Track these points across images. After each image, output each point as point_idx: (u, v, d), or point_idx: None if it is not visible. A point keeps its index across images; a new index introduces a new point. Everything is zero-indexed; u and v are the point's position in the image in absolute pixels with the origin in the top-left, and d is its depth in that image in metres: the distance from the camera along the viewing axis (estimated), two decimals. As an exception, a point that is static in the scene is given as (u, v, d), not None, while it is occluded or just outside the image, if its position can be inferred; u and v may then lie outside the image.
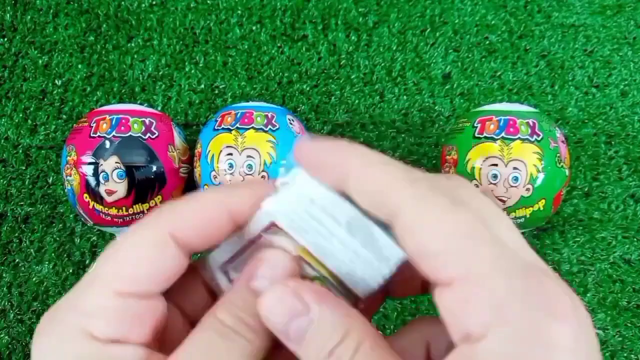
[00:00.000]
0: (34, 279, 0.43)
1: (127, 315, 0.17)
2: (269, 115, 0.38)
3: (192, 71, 0.48)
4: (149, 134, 0.37)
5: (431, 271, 0.16)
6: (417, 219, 0.16)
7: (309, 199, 0.19)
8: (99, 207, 0.37)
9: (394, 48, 0.49)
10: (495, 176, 0.36)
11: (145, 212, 0.38)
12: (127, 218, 0.38)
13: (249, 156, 0.36)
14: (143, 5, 0.50)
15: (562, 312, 0.14)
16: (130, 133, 0.37)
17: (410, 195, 0.16)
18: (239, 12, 0.50)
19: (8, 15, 0.49)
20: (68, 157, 0.37)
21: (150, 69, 0.48)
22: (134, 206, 0.37)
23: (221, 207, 0.18)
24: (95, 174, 0.36)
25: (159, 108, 0.47)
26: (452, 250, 0.15)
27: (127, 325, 0.17)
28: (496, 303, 0.14)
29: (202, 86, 0.47)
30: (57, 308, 0.18)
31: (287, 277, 0.18)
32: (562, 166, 0.38)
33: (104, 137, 0.36)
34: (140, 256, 0.18)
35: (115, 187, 0.36)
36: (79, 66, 0.48)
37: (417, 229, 0.16)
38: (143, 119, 0.38)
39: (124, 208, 0.37)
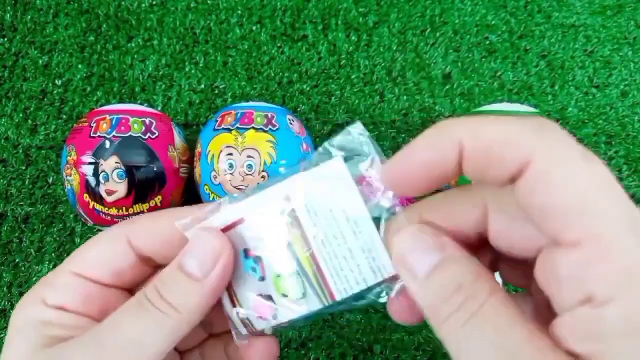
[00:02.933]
0: (34, 279, 0.43)
1: (76, 290, 0.21)
2: (269, 115, 0.38)
3: (192, 71, 0.48)
4: (149, 134, 0.37)
5: (559, 228, 0.14)
6: (550, 171, 0.14)
7: (330, 186, 0.19)
8: (99, 207, 0.37)
9: (394, 48, 0.49)
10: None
11: (145, 212, 0.38)
12: (127, 218, 0.38)
13: (249, 156, 0.36)
14: (143, 5, 0.50)
15: None
16: (130, 133, 0.37)
17: (540, 146, 0.14)
18: (239, 12, 0.50)
19: (8, 15, 0.49)
20: (68, 157, 0.37)
21: (150, 69, 0.48)
22: (134, 206, 0.37)
23: (171, 222, 0.21)
24: (95, 174, 0.36)
25: (159, 108, 0.47)
26: (587, 209, 0.14)
27: (72, 298, 0.21)
28: (628, 266, 0.13)
29: (202, 86, 0.47)
30: (32, 288, 0.22)
31: (213, 256, 0.20)
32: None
33: (104, 137, 0.36)
34: (95, 247, 0.22)
35: (115, 187, 0.36)
36: (79, 66, 0.48)
37: (552, 181, 0.14)
38: (143, 119, 0.38)
39: (124, 208, 0.37)
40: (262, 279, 0.20)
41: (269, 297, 0.20)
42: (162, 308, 0.19)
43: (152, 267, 0.23)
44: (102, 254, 0.22)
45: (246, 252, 0.20)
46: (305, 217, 0.19)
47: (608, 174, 0.14)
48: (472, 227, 0.18)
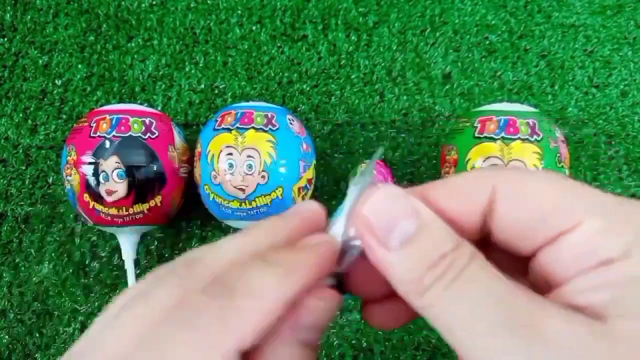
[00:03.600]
0: (34, 279, 0.43)
1: None
2: (269, 115, 0.38)
3: (192, 71, 0.48)
4: (149, 134, 0.37)
5: (562, 222, 0.15)
6: (530, 189, 0.16)
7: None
8: (99, 207, 0.37)
9: (394, 48, 0.49)
10: (495, 176, 0.36)
11: (145, 212, 0.38)
12: (127, 218, 0.38)
13: (249, 156, 0.36)
14: (143, 5, 0.50)
15: None
16: (130, 133, 0.37)
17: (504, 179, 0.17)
18: (239, 12, 0.50)
19: (8, 15, 0.49)
20: (68, 157, 0.37)
21: (150, 69, 0.48)
22: (134, 206, 0.37)
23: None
24: (95, 174, 0.36)
25: (159, 108, 0.47)
26: (579, 203, 0.15)
27: None
28: (637, 225, 0.15)
29: (202, 86, 0.47)
30: None
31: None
32: (562, 166, 0.38)
33: (104, 137, 0.36)
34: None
35: (115, 187, 0.36)
36: (79, 66, 0.48)
37: (531, 195, 0.16)
38: (143, 119, 0.38)
39: (124, 208, 0.37)
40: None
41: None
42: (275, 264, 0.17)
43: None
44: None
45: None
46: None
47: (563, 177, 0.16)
48: (478, 211, 0.17)
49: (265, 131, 0.37)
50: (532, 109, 0.39)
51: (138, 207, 0.37)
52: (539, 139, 0.37)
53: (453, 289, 0.15)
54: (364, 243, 0.17)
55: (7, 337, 0.42)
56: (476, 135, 0.38)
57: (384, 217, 0.16)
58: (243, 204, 0.37)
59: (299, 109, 0.47)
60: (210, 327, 0.15)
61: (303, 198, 0.39)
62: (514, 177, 0.17)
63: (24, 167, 0.45)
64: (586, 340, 0.13)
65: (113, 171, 0.36)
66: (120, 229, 0.38)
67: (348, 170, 0.45)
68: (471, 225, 0.17)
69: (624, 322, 0.13)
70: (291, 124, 0.39)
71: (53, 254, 0.43)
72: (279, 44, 0.49)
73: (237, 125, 0.37)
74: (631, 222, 0.15)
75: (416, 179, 0.45)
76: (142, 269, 0.44)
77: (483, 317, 0.14)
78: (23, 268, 0.43)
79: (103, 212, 0.37)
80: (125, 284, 0.41)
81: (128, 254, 0.40)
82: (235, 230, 0.42)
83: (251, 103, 0.40)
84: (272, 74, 0.48)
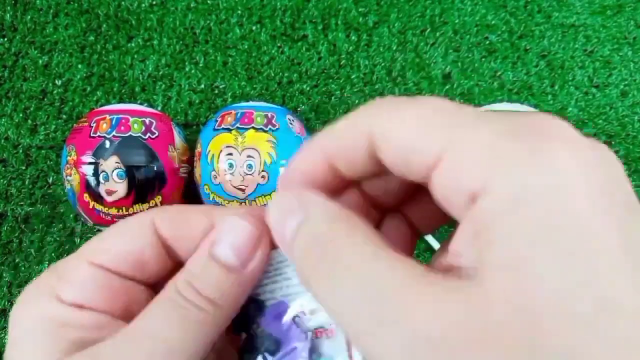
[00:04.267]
0: (34, 279, 0.43)
1: (95, 284, 0.18)
2: (269, 115, 0.38)
3: (192, 71, 0.48)
4: (149, 134, 0.37)
5: (420, 161, 0.14)
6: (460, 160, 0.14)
7: None
8: (99, 207, 0.37)
9: (394, 48, 0.49)
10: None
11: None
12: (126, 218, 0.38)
13: (249, 156, 0.36)
14: (143, 5, 0.50)
15: (563, 138, 0.13)
16: (130, 133, 0.37)
17: (452, 142, 0.14)
18: (239, 12, 0.50)
19: (8, 15, 0.49)
20: (68, 157, 0.37)
21: (150, 69, 0.48)
22: (134, 206, 0.37)
23: (204, 217, 0.19)
24: (95, 174, 0.36)
25: (159, 108, 0.47)
26: (435, 134, 0.14)
27: (92, 293, 0.18)
28: (491, 151, 0.13)
29: (202, 86, 0.47)
30: (38, 277, 0.19)
31: (251, 244, 0.18)
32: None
33: (104, 137, 0.36)
34: (118, 235, 0.19)
35: (115, 187, 0.36)
36: (79, 66, 0.48)
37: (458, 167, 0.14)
38: (143, 119, 0.38)
39: (124, 208, 0.37)
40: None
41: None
42: (198, 302, 0.17)
43: (174, 262, 0.20)
44: (127, 241, 0.19)
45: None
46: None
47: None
48: (364, 154, 0.16)
49: (265, 131, 0.37)
50: (532, 109, 0.39)
51: (138, 207, 0.37)
52: (539, 139, 0.37)
53: (333, 278, 0.14)
54: (279, 242, 0.17)
55: (7, 337, 0.42)
56: (476, 135, 0.38)
57: (280, 219, 0.17)
58: (243, 204, 0.37)
59: (299, 109, 0.47)
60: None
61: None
62: (385, 116, 0.16)
63: (24, 167, 0.45)
64: (458, 333, 0.12)
65: (113, 171, 0.36)
66: (120, 229, 0.38)
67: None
68: (366, 164, 0.17)
69: (493, 280, 0.12)
70: (291, 124, 0.39)
71: (53, 254, 0.43)
72: (279, 44, 0.49)
73: (237, 125, 0.37)
74: (487, 146, 0.13)
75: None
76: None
77: (356, 313, 0.14)
78: (23, 268, 0.43)
79: (103, 212, 0.37)
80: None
81: (128, 254, 0.40)
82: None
83: (251, 103, 0.40)
84: (272, 74, 0.48)
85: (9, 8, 0.49)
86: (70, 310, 0.18)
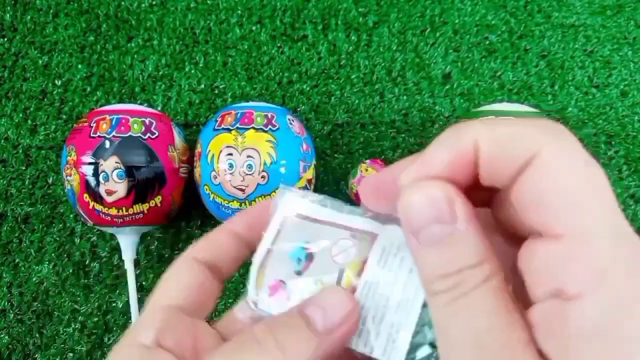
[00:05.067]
0: (34, 279, 0.43)
1: (169, 322, 0.20)
2: (269, 115, 0.38)
3: (192, 71, 0.48)
4: (149, 134, 0.37)
5: (546, 218, 0.14)
6: (552, 162, 0.14)
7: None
8: (99, 207, 0.37)
9: (394, 48, 0.49)
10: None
11: (145, 212, 0.38)
12: (127, 218, 0.38)
13: (249, 156, 0.36)
14: (143, 5, 0.50)
15: None
16: (130, 133, 0.37)
17: (548, 141, 0.15)
18: (239, 12, 0.50)
19: (8, 15, 0.49)
20: (68, 157, 0.37)
21: (150, 69, 0.48)
22: (134, 206, 0.37)
23: (227, 233, 0.23)
24: (95, 174, 0.36)
25: (159, 108, 0.47)
26: (577, 205, 0.14)
27: (166, 331, 0.20)
28: (602, 267, 0.13)
29: (202, 86, 0.47)
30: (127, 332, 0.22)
31: (343, 319, 0.18)
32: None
33: (104, 137, 0.36)
34: (173, 274, 0.22)
35: (115, 187, 0.36)
36: (79, 66, 0.48)
37: (551, 172, 0.14)
38: (143, 119, 0.38)
39: (123, 208, 0.37)
40: (299, 273, 0.20)
41: (289, 291, 0.20)
42: (271, 348, 0.17)
43: (221, 281, 0.23)
44: (182, 278, 0.22)
45: (306, 244, 0.20)
46: (376, 253, 0.19)
47: (605, 180, 0.15)
48: (470, 163, 0.16)
49: (265, 131, 0.37)
50: (532, 109, 0.39)
51: (138, 207, 0.37)
52: (539, 139, 0.37)
53: (451, 308, 0.15)
54: (404, 225, 0.17)
55: (7, 337, 0.42)
56: (476, 135, 0.38)
57: (420, 213, 0.16)
58: (243, 204, 0.37)
59: (299, 109, 0.47)
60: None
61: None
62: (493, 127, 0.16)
63: (24, 167, 0.45)
64: None
65: (113, 171, 0.36)
66: (120, 229, 0.38)
67: (348, 171, 0.45)
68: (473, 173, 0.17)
69: None
70: (291, 124, 0.39)
71: (53, 254, 0.43)
72: (279, 44, 0.49)
73: (237, 125, 0.37)
74: (604, 257, 0.14)
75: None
76: (142, 269, 0.44)
77: (458, 350, 0.15)
78: (23, 268, 0.43)
79: (103, 212, 0.37)
80: (125, 284, 0.41)
81: (128, 254, 0.40)
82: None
83: (251, 103, 0.40)
84: (272, 74, 0.48)
85: (9, 8, 0.49)
86: (148, 351, 0.20)
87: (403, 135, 0.47)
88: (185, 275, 0.22)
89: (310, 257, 0.20)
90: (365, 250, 0.19)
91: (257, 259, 0.20)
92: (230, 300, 0.44)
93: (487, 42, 0.49)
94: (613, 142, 0.47)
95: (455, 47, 0.49)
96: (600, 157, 0.46)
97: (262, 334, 0.18)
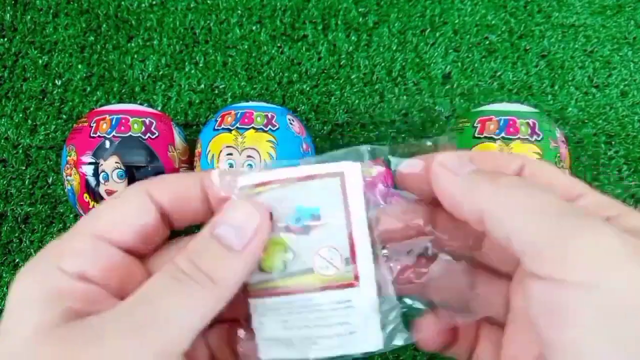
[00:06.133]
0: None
1: (97, 256, 0.18)
2: (269, 115, 0.38)
3: (192, 71, 0.48)
4: (149, 134, 0.37)
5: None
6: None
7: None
8: (99, 207, 0.37)
9: (394, 48, 0.49)
10: (495, 176, 0.36)
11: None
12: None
13: (249, 156, 0.36)
14: (143, 5, 0.50)
15: None
16: (130, 133, 0.37)
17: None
18: (239, 12, 0.50)
19: (8, 15, 0.49)
20: (68, 157, 0.37)
21: (150, 69, 0.48)
22: (134, 206, 0.37)
23: (196, 180, 0.20)
24: (95, 174, 0.36)
25: (159, 108, 0.47)
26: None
27: (93, 265, 0.18)
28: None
29: (202, 86, 0.48)
30: (41, 250, 0.19)
31: (252, 228, 0.19)
32: (562, 166, 0.38)
33: (104, 137, 0.36)
34: (118, 207, 0.20)
35: (115, 187, 0.36)
36: (79, 66, 0.48)
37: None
38: (143, 119, 0.38)
39: (124, 208, 0.37)
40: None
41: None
42: (199, 280, 0.17)
43: (169, 228, 0.21)
44: (126, 212, 0.19)
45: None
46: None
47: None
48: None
49: (265, 131, 0.37)
50: (532, 109, 0.39)
51: (138, 207, 0.37)
52: (539, 139, 0.37)
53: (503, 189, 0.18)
54: (435, 179, 0.20)
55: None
56: (476, 135, 0.38)
57: (456, 161, 0.20)
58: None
59: (299, 109, 0.47)
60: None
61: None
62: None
63: (24, 167, 0.45)
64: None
65: (113, 171, 0.36)
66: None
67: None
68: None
69: None
70: (291, 124, 0.39)
71: (53, 254, 0.43)
72: (279, 44, 0.49)
73: (237, 125, 0.37)
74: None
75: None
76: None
77: (536, 209, 0.17)
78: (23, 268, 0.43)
79: (103, 212, 0.37)
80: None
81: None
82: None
83: (251, 103, 0.40)
84: (272, 74, 0.48)
85: (9, 8, 0.49)
86: (70, 280, 0.18)
87: (403, 135, 0.47)
88: (133, 210, 0.19)
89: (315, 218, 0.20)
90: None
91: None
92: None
93: (487, 42, 0.49)
94: (613, 142, 0.47)
95: (455, 47, 0.49)
96: (600, 157, 0.46)
97: (188, 267, 0.18)
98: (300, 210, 0.19)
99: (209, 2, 0.50)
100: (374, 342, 0.19)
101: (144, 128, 0.37)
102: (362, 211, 0.19)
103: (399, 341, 0.19)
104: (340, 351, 0.19)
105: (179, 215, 0.21)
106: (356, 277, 0.19)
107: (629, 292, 0.15)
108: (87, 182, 0.36)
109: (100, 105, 0.46)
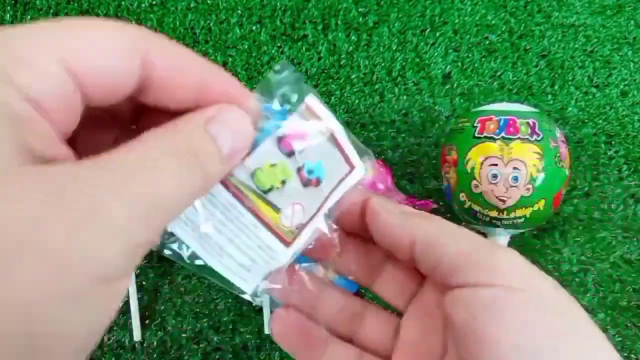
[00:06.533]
0: None
1: (61, 89, 0.14)
2: (269, 115, 0.38)
3: (192, 71, 0.48)
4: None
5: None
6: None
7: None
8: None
9: (394, 48, 0.49)
10: (495, 176, 0.36)
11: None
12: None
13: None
14: (143, 5, 0.50)
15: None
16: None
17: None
18: (239, 12, 0.50)
19: (8, 15, 0.49)
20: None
21: (150, 69, 0.48)
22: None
23: (199, 72, 0.18)
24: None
25: (159, 108, 0.47)
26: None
27: (54, 99, 0.14)
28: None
29: (202, 86, 0.47)
30: None
31: (245, 144, 0.18)
32: (562, 166, 0.38)
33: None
34: (100, 41, 0.15)
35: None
36: (79, 66, 0.48)
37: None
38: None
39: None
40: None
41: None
42: (191, 166, 0.16)
43: (140, 103, 0.18)
44: (110, 54, 0.15)
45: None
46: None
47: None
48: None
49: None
50: (532, 109, 0.39)
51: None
52: (539, 138, 0.37)
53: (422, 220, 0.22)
54: (373, 214, 0.23)
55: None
56: (476, 135, 0.38)
57: (389, 203, 0.23)
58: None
59: (299, 109, 0.47)
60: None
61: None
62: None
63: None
64: None
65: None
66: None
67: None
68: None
69: None
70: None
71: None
72: (279, 44, 0.49)
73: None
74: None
75: (416, 179, 0.45)
76: (141, 269, 0.44)
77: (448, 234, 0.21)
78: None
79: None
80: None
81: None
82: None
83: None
84: (272, 74, 0.48)
85: (9, 8, 0.49)
86: (27, 105, 0.13)
87: (403, 135, 0.47)
88: (120, 56, 0.15)
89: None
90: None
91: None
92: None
93: (487, 42, 0.49)
94: (613, 142, 0.47)
95: (455, 47, 0.49)
96: (600, 157, 0.46)
97: (185, 150, 0.16)
98: (318, 165, 0.21)
99: (209, 2, 0.50)
100: (248, 289, 0.21)
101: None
102: (333, 203, 0.22)
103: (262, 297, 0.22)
104: (229, 276, 0.21)
105: (165, 91, 0.17)
106: (293, 241, 0.21)
107: (550, 293, 0.19)
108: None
109: (100, 105, 0.46)
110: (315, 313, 0.24)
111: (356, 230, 0.24)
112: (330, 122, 0.21)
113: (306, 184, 0.21)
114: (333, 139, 0.21)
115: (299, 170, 0.20)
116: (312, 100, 0.20)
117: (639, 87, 0.48)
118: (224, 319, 0.43)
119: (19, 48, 0.14)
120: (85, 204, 0.13)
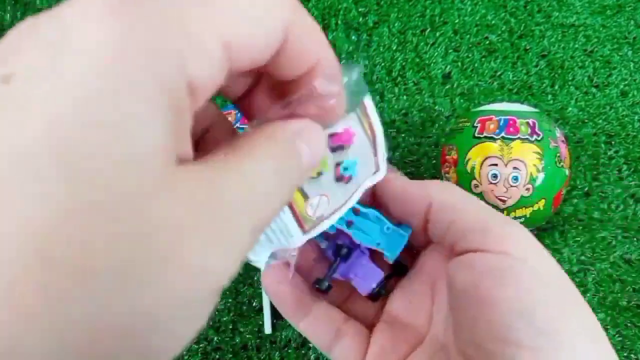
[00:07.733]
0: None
1: (221, 72, 0.13)
2: (269, 115, 0.38)
3: (192, 71, 0.48)
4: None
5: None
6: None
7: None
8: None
9: (394, 48, 0.49)
10: (495, 176, 0.37)
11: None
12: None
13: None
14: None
15: None
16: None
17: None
18: (239, 12, 0.50)
19: (8, 15, 0.49)
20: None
21: (150, 69, 0.48)
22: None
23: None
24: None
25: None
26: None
27: (213, 81, 0.13)
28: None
29: (202, 86, 0.47)
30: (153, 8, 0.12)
31: (318, 159, 0.17)
32: (562, 166, 0.38)
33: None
34: (251, 13, 0.13)
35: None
36: (79, 66, 0.48)
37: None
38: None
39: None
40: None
41: None
42: (293, 170, 0.15)
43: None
44: (258, 16, 0.13)
45: None
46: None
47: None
48: None
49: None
50: (532, 109, 0.39)
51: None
52: (539, 138, 0.37)
53: None
54: (394, 181, 0.24)
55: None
56: (476, 135, 0.38)
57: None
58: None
59: (299, 109, 0.47)
60: None
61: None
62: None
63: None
64: None
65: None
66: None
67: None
68: None
69: None
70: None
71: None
72: (279, 44, 0.49)
73: (238, 125, 0.37)
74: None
75: (416, 179, 0.45)
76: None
77: None
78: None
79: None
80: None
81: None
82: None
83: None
84: (272, 74, 0.48)
85: (9, 8, 0.49)
86: (189, 96, 0.12)
87: (403, 135, 0.47)
88: (270, 27, 0.13)
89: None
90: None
91: None
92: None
93: (487, 42, 0.49)
94: (613, 142, 0.47)
95: (455, 47, 0.49)
96: (600, 157, 0.46)
97: (292, 151, 0.15)
98: (354, 163, 0.21)
99: (209, 2, 0.50)
100: (253, 259, 0.24)
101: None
102: (353, 203, 0.23)
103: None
104: None
105: (284, 66, 0.15)
106: (310, 230, 0.22)
107: (556, 270, 0.20)
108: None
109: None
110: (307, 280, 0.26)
111: (365, 200, 0.24)
112: (376, 125, 0.21)
113: (339, 179, 0.21)
114: (374, 141, 0.21)
115: (337, 165, 0.21)
116: (368, 101, 0.20)
117: (639, 87, 0.48)
118: (224, 319, 0.43)
119: (191, 23, 0.12)
120: (219, 218, 0.12)
